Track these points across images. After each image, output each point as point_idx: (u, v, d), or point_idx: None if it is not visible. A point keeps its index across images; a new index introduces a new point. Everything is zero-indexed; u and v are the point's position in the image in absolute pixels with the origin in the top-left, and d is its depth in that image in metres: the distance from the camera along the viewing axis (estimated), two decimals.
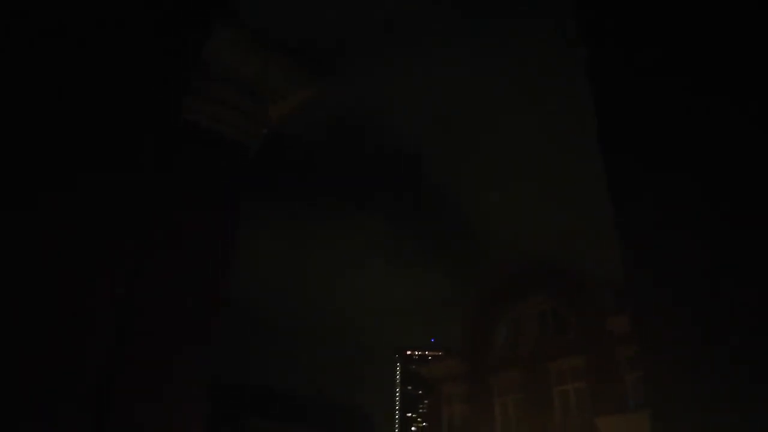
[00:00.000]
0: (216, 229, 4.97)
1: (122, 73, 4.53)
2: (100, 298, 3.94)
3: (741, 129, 3.20)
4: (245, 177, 5.44)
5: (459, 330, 29.77)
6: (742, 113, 3.22)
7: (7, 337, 3.50)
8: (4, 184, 3.75)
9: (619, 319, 22.45)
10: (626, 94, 3.97)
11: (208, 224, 4.94)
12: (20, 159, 3.86)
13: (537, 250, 27.79)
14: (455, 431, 27.89)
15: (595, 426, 22.42)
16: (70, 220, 3.95)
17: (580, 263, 26.08)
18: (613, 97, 4.06)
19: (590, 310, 24.54)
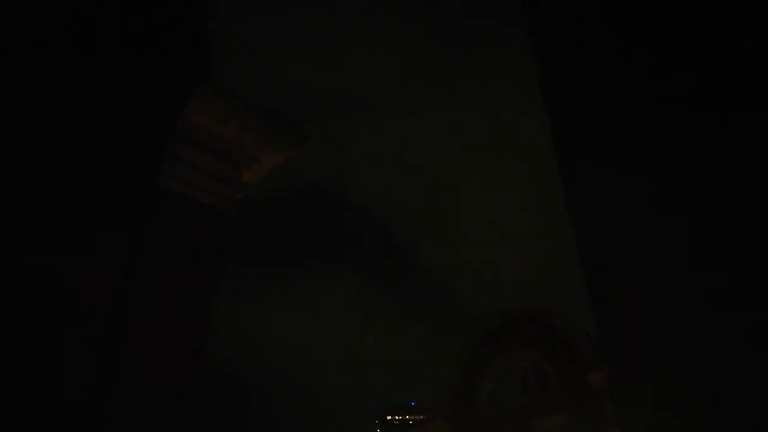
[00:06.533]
0: (194, 294, 4.90)
1: (101, 137, 4.56)
2: (75, 365, 3.85)
3: (717, 177, 3.17)
4: (224, 241, 5.41)
5: (440, 391, 29.07)
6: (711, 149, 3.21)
7: None
8: None
9: (600, 373, 22.24)
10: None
11: (186, 289, 4.88)
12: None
13: (515, 305, 27.66)
14: None
15: None
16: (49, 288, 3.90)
17: (559, 317, 26.02)
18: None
19: (571, 364, 24.28)
